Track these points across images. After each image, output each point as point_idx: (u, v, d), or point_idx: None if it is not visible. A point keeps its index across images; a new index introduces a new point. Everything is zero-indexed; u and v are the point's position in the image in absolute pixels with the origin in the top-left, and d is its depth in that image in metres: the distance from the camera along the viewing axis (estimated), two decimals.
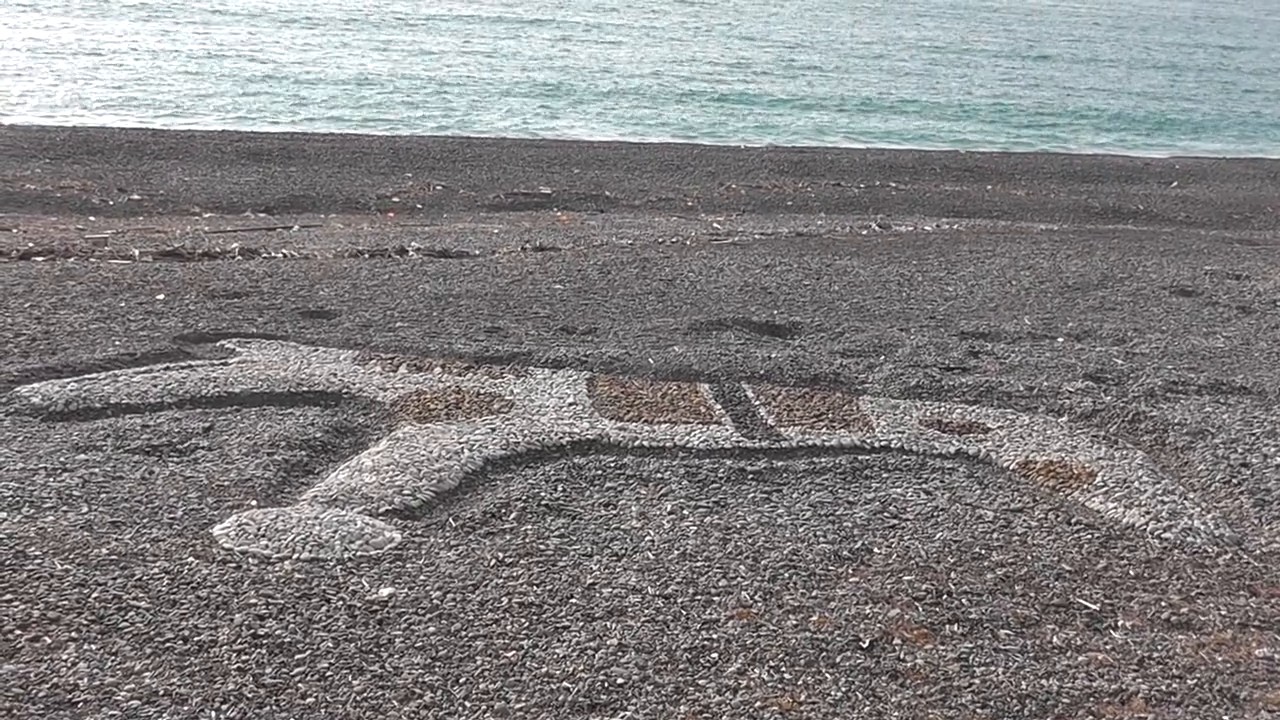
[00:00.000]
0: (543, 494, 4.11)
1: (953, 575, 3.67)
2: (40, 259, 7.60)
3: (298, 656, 3.01)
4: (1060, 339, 6.56)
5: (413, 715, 2.79)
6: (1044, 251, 9.37)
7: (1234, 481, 4.56)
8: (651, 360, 5.67)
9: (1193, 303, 7.73)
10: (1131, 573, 3.78)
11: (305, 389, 5.05)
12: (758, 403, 5.19)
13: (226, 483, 4.06)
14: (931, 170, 17.14)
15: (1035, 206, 14.38)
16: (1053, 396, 5.42)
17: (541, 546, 3.71)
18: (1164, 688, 3.11)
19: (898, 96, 27.82)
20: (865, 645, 3.23)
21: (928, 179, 16.31)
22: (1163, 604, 3.58)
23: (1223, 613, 3.55)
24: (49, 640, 3.01)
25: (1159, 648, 3.32)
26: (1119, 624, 3.44)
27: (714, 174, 15.66)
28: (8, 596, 3.19)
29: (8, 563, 3.35)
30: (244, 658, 2.98)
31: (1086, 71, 35.71)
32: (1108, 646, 3.31)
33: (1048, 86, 31.56)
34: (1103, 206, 14.64)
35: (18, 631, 3.03)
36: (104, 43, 26.99)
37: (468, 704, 2.85)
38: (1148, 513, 4.25)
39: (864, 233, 10.82)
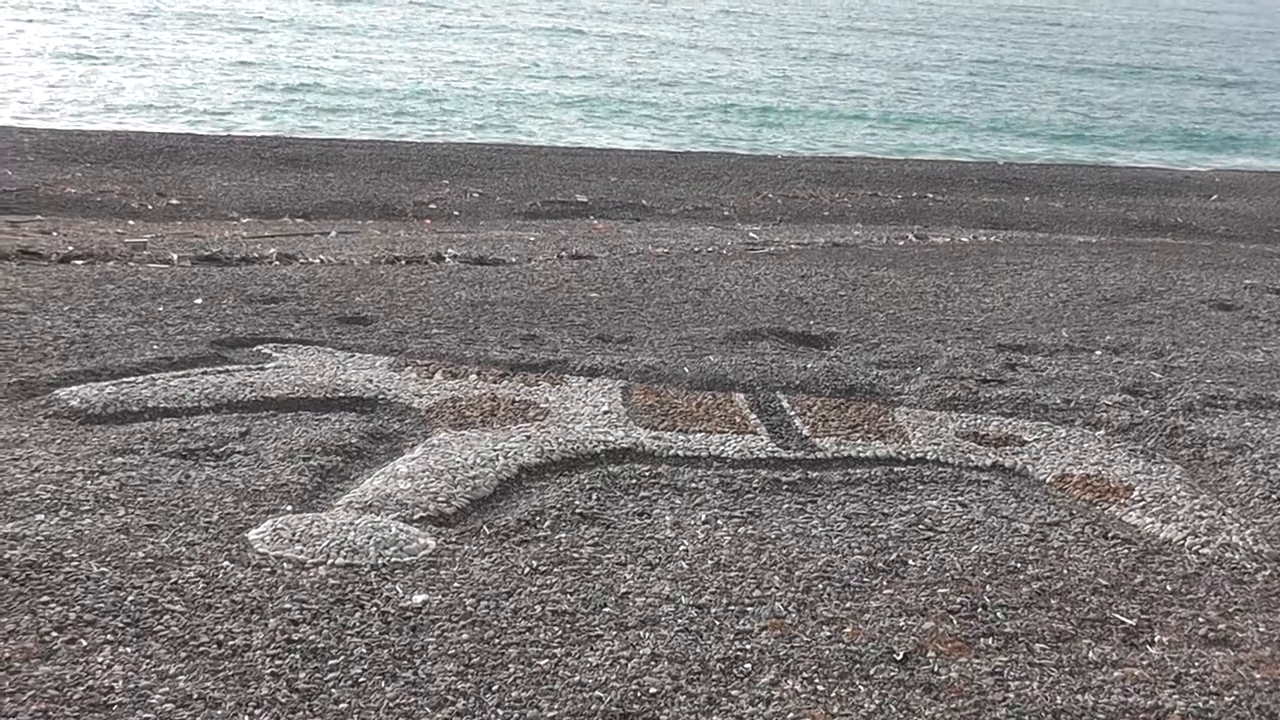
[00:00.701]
0: (577, 502, 4.11)
1: (988, 588, 3.65)
2: (80, 262, 7.64)
3: (331, 662, 3.01)
4: (1098, 352, 6.53)
5: None
6: (1082, 264, 9.33)
7: (1273, 497, 4.53)
8: (687, 369, 5.66)
9: (1232, 317, 7.68)
10: (1169, 588, 3.75)
11: (341, 395, 5.07)
12: (793, 413, 5.18)
13: (262, 487, 4.07)
14: (969, 181, 17.08)
15: (1073, 218, 14.31)
16: (1090, 410, 5.40)
17: (575, 555, 3.71)
18: (1201, 704, 3.09)
19: (938, 109, 27.75)
20: (899, 658, 3.21)
21: (965, 190, 16.26)
22: (1200, 620, 3.55)
23: (1261, 629, 3.52)
24: (85, 642, 3.02)
25: (1196, 664, 3.29)
26: (1156, 640, 3.42)
27: (750, 183, 15.64)
28: (45, 598, 3.20)
29: (45, 565, 3.37)
30: (278, 662, 2.99)
31: (1127, 84, 35.55)
32: (1144, 662, 3.28)
33: (1087, 100, 31.42)
34: (1141, 219, 14.56)
35: (54, 633, 3.05)
36: (147, 49, 27.14)
37: (500, 711, 2.85)
38: (1185, 528, 4.22)
39: (900, 243, 10.79)
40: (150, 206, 11.91)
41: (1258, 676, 3.25)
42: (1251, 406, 5.59)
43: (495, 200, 13.39)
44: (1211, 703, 3.10)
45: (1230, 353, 6.66)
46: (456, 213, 12.62)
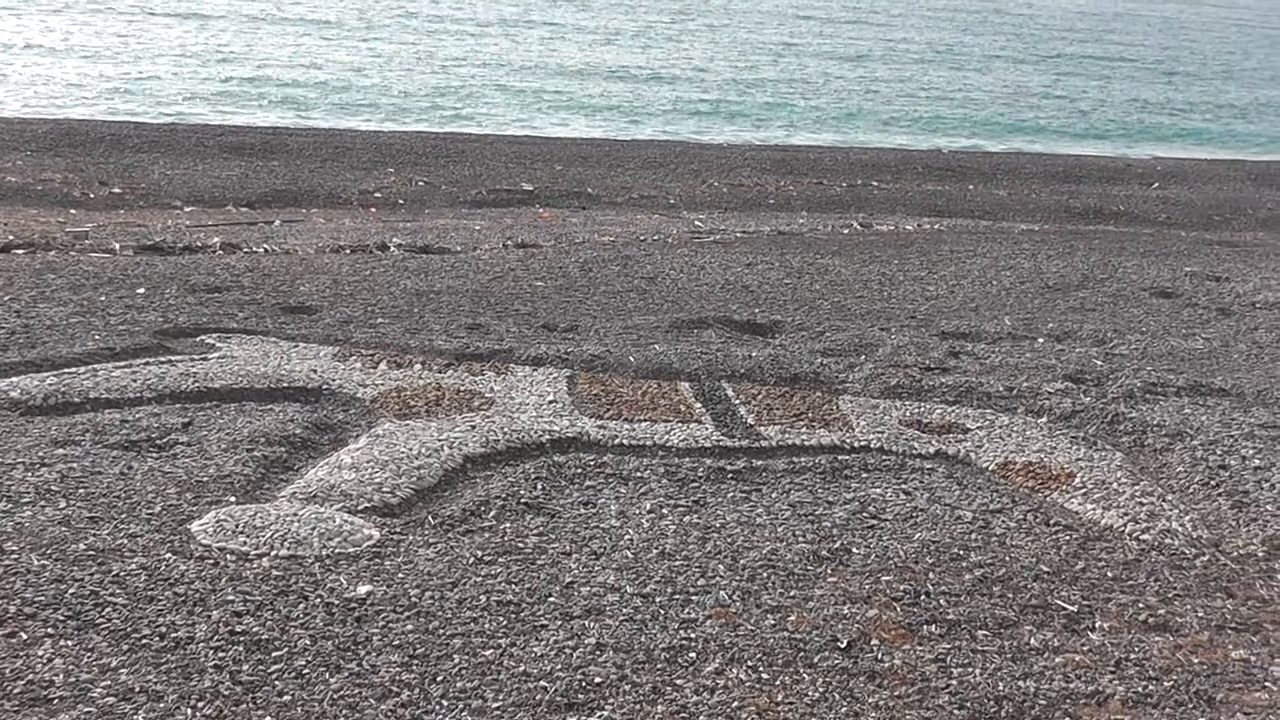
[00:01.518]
0: (522, 492, 4.11)
1: (931, 576, 3.67)
2: (20, 252, 7.57)
3: (275, 654, 3.00)
4: (1040, 339, 6.57)
5: (390, 714, 2.79)
6: (1025, 252, 9.39)
7: (1212, 483, 4.57)
8: (632, 358, 5.67)
9: (1172, 304, 7.75)
10: (1109, 574, 3.78)
11: (285, 385, 5.04)
12: (738, 401, 5.19)
13: (205, 478, 4.04)
14: (913, 169, 17.15)
15: (1017, 206, 14.40)
16: (1032, 397, 5.44)
17: (520, 545, 3.71)
18: (1141, 689, 3.12)
19: (885, 99, 27.85)
20: (843, 645, 3.23)
21: (909, 178, 16.32)
22: (1140, 605, 3.58)
23: (1200, 614, 3.56)
24: (25, 636, 3.00)
25: (1136, 649, 3.32)
26: (1096, 625, 3.45)
27: (697, 172, 15.65)
28: None
29: None
30: (221, 655, 2.98)
31: (1068, 73, 35.78)
32: (1085, 648, 3.31)
33: (1030, 89, 31.60)
34: (1084, 207, 14.67)
35: None
36: (91, 40, 26.90)
37: (445, 702, 2.85)
38: (1126, 514, 4.26)
39: (845, 231, 10.83)
40: (92, 195, 11.81)
41: (1196, 661, 3.29)
42: (1191, 393, 5.65)
43: (441, 189, 13.35)
44: (1151, 687, 3.13)
45: (1170, 340, 6.72)
46: (402, 201, 12.58)
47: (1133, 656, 3.28)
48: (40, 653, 2.93)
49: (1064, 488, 4.49)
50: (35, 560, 3.36)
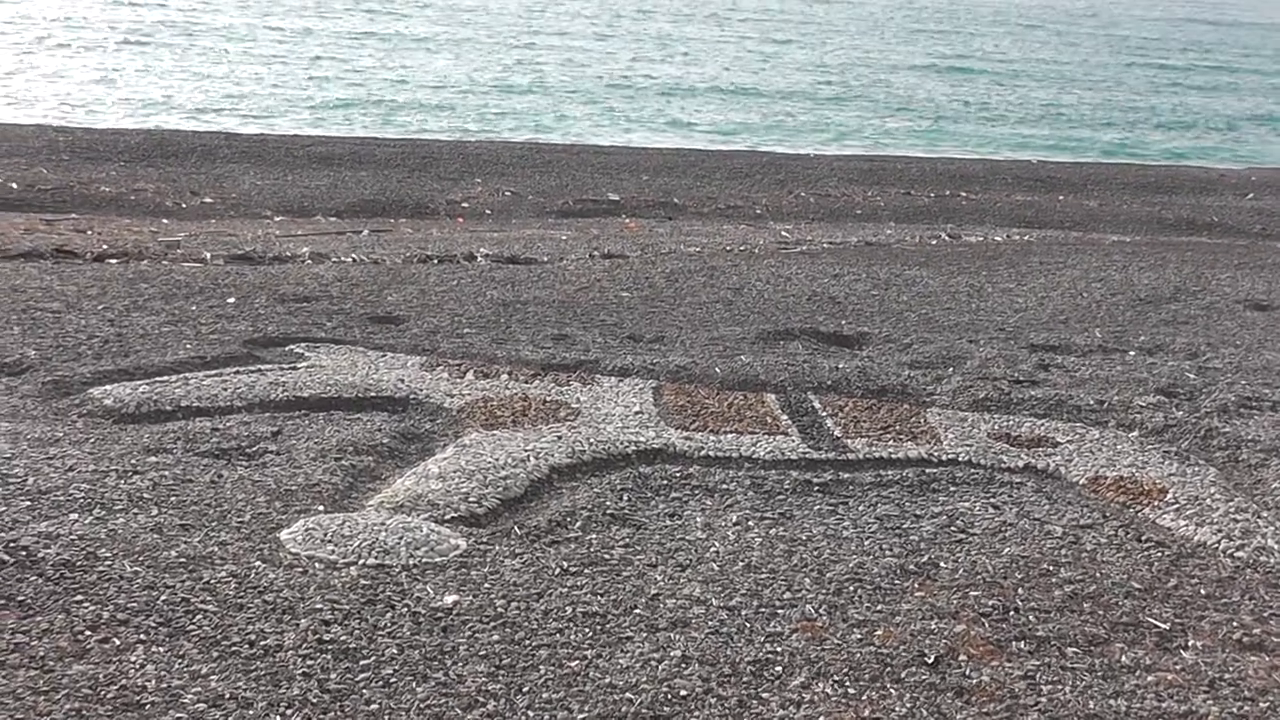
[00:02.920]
0: (608, 503, 4.11)
1: (1020, 591, 3.63)
2: (114, 261, 7.68)
3: (362, 662, 3.02)
4: (1132, 353, 6.49)
5: None
6: (1116, 263, 9.29)
7: None
8: (718, 369, 5.66)
9: (1268, 317, 7.63)
10: (1203, 592, 3.73)
11: (373, 394, 5.08)
12: (824, 414, 5.17)
13: (294, 487, 4.08)
14: (1002, 180, 17.02)
15: (1107, 217, 14.25)
16: (1123, 411, 5.37)
17: (606, 556, 3.71)
18: (1236, 710, 3.07)
19: (974, 108, 27.68)
20: (931, 661, 3.20)
21: (998, 189, 16.20)
22: (1235, 624, 3.53)
23: None
24: (118, 642, 3.03)
25: (1231, 669, 3.27)
26: (1189, 644, 3.40)
27: (782, 182, 15.62)
28: (78, 597, 3.22)
29: (79, 564, 3.39)
30: (309, 663, 3.00)
31: (1167, 81, 35.41)
32: (1178, 667, 3.26)
33: (1119, 101, 31.30)
34: (1176, 218, 14.50)
35: (88, 632, 3.06)
36: (183, 51, 27.30)
37: (530, 713, 2.85)
38: (1220, 531, 4.19)
39: (933, 242, 10.76)
40: (184, 205, 11.96)
41: None
42: None
43: (527, 199, 13.40)
44: (1247, 708, 3.08)
45: (1266, 354, 6.62)
46: (489, 211, 12.65)
47: (1227, 676, 3.23)
48: (133, 659, 2.96)
49: (1156, 503, 4.43)
50: (128, 567, 3.40)
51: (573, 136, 20.43)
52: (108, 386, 4.98)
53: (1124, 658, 3.29)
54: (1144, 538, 4.11)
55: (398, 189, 13.39)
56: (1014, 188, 16.40)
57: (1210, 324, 7.32)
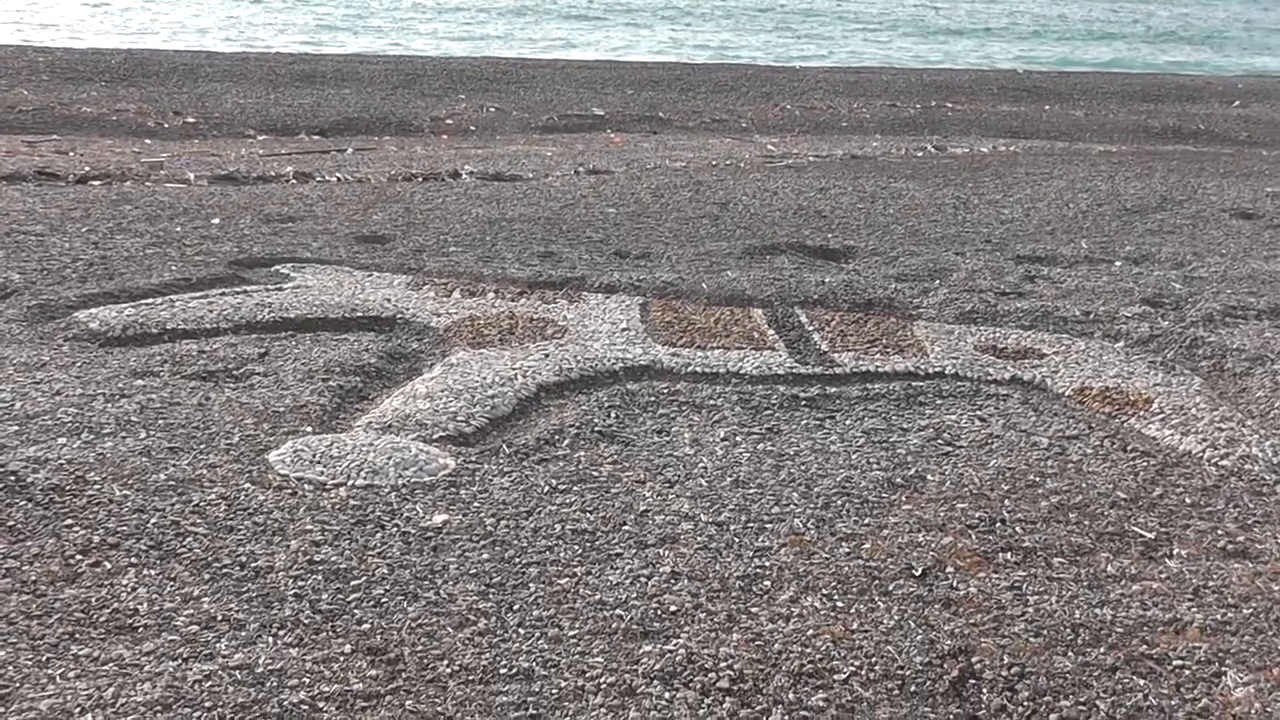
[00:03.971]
0: (596, 421, 4.12)
1: (1006, 503, 3.65)
2: (97, 183, 7.64)
3: (353, 583, 3.03)
4: (1118, 263, 6.50)
5: (467, 641, 2.81)
6: (1102, 173, 9.27)
7: None
8: (705, 285, 5.65)
9: (1253, 225, 7.64)
10: (1188, 500, 3.75)
11: (359, 314, 5.07)
12: (811, 328, 5.17)
13: (282, 409, 4.08)
14: (988, 90, 16.95)
15: (1093, 127, 14.21)
16: (1109, 322, 5.38)
17: (594, 473, 3.72)
18: (1219, 617, 3.09)
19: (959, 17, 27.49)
20: (918, 573, 3.22)
21: (984, 99, 16.14)
22: (1219, 532, 3.55)
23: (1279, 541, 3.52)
24: (109, 565, 3.04)
25: (1214, 576, 3.30)
26: (1174, 552, 3.42)
27: (768, 95, 15.54)
28: (69, 522, 3.23)
29: (68, 488, 3.39)
30: (300, 584, 3.01)
31: None
32: (1162, 575, 3.29)
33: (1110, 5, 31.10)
34: (1163, 126, 14.46)
35: (79, 556, 3.07)
36: None
37: (521, 631, 2.87)
38: (1205, 440, 4.22)
39: (919, 155, 10.73)
40: (166, 125, 11.89)
41: (1276, 588, 3.25)
42: (1272, 316, 5.57)
43: (511, 115, 13.33)
44: (1230, 615, 3.11)
45: (1251, 262, 6.62)
46: (473, 128, 12.58)
47: (1211, 584, 3.26)
48: (124, 582, 2.97)
49: (1141, 413, 4.44)
50: (117, 491, 3.41)
51: (556, 52, 20.28)
52: (93, 310, 4.97)
53: (1109, 567, 3.32)
54: (1129, 448, 4.13)
55: (381, 106, 13.31)
56: (1000, 98, 16.35)
57: (1196, 233, 7.32)
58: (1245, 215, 7.89)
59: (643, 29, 22.89)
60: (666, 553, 3.26)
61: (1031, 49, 23.96)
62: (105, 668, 2.64)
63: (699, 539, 3.34)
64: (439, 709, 2.56)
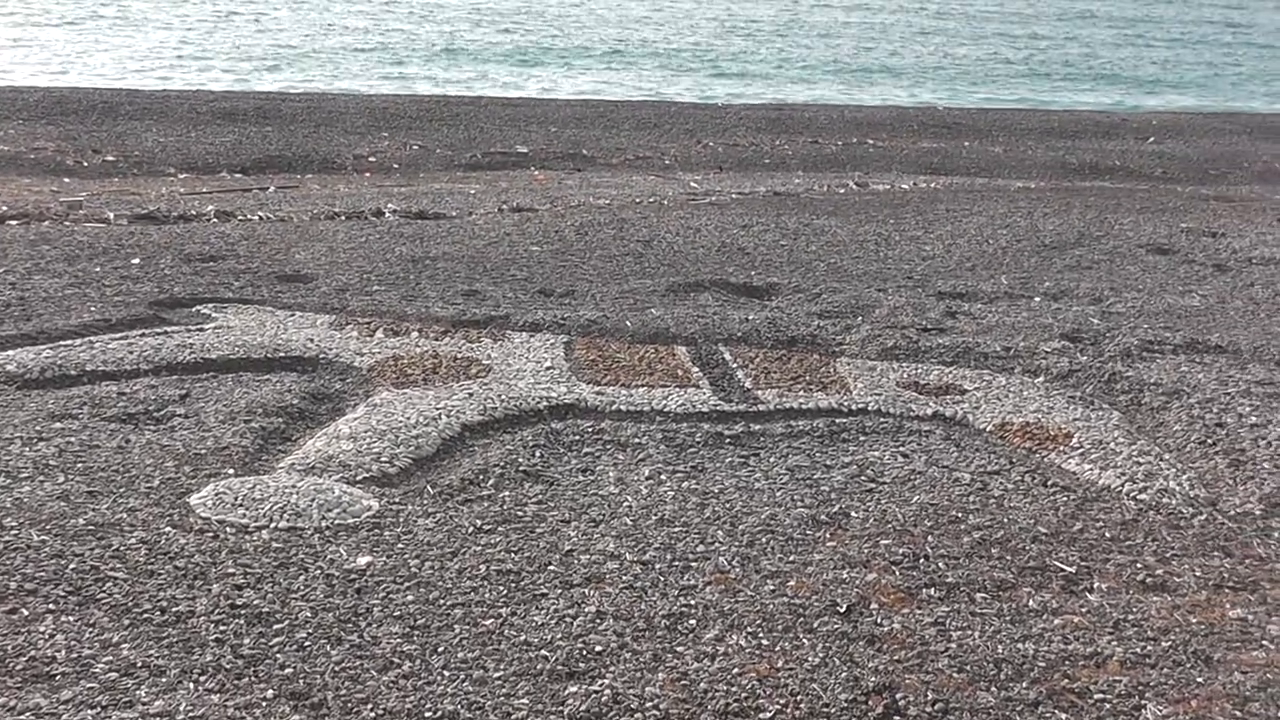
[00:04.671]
0: (520, 460, 4.11)
1: (930, 539, 3.68)
2: (14, 222, 7.55)
3: (276, 626, 3.01)
4: (1037, 298, 6.57)
5: (391, 685, 2.80)
6: (1021, 209, 9.38)
7: (1209, 442, 4.58)
8: (629, 323, 5.67)
9: (1169, 261, 7.75)
10: (1108, 534, 3.79)
11: (282, 354, 5.04)
12: (735, 365, 5.19)
13: (203, 451, 4.05)
14: (909, 127, 17.12)
15: (1012, 163, 14.38)
16: (1029, 357, 5.44)
17: (519, 513, 3.71)
18: (1139, 650, 3.13)
19: (873, 58, 27.76)
20: (842, 610, 3.24)
21: (905, 136, 16.29)
22: (1138, 566, 3.59)
23: (1197, 574, 3.57)
24: (26, 612, 3.00)
25: (1134, 610, 3.33)
26: (1095, 586, 3.46)
27: (691, 132, 15.62)
28: None
29: None
30: (222, 628, 2.98)
31: (1072, 30, 35.69)
32: (1083, 609, 3.32)
33: (1025, 44, 31.51)
34: (1080, 163, 14.65)
35: None
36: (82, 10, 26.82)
37: (446, 673, 2.86)
38: (1124, 474, 4.26)
39: (841, 191, 10.81)
40: (85, 164, 11.78)
41: (1194, 620, 3.30)
42: (1188, 351, 5.65)
43: (435, 152, 13.32)
44: (1149, 648, 3.14)
45: (1167, 297, 6.72)
46: (396, 165, 12.56)
47: (1131, 617, 3.29)
48: (42, 629, 2.94)
49: (1061, 448, 4.49)
50: (35, 535, 3.36)
51: (482, 88, 20.30)
52: (10, 352, 4.90)
53: (1031, 601, 3.35)
54: (1050, 482, 4.17)
55: (304, 144, 13.26)
56: (920, 134, 16.51)
57: (1114, 268, 7.42)
58: (1161, 250, 8.01)
59: (574, 69, 22.98)
60: (592, 592, 3.26)
61: (954, 91, 24.27)
62: (22, 717, 2.60)
63: (624, 578, 3.34)
64: None
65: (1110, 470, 4.29)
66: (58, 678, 2.75)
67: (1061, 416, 4.78)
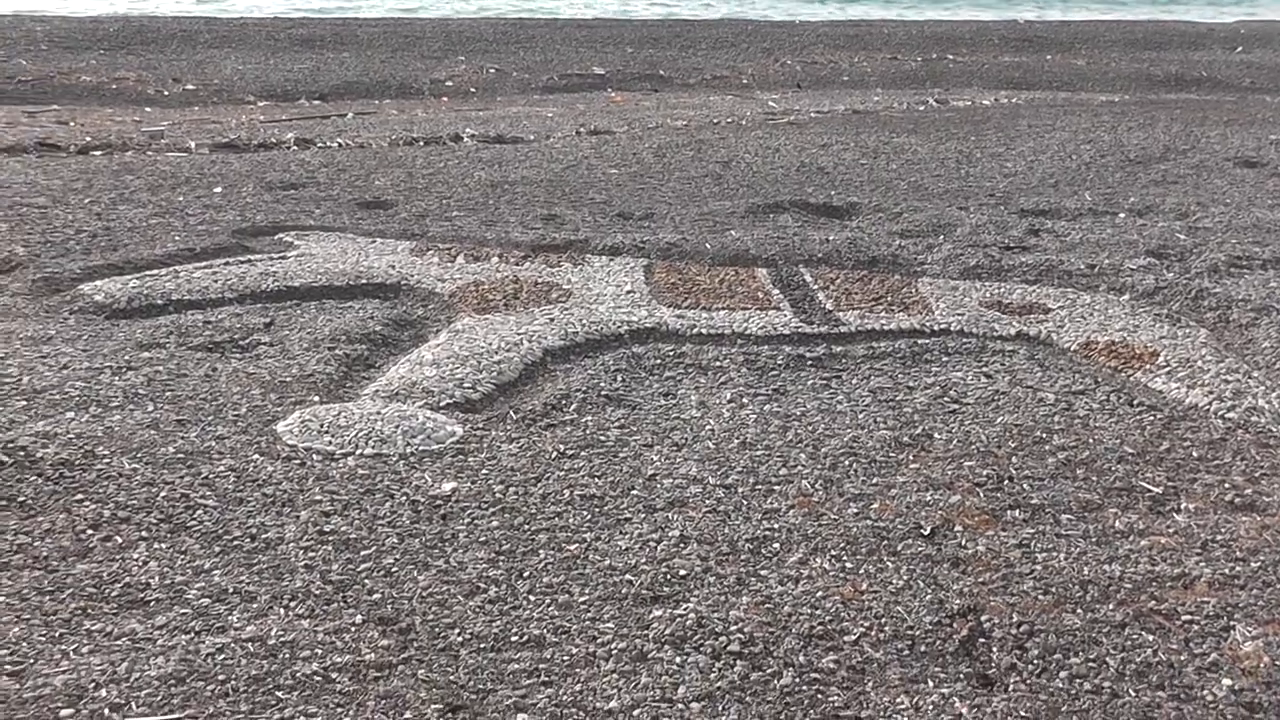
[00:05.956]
0: (602, 384, 4.12)
1: (1014, 460, 3.66)
2: (98, 153, 7.63)
3: (363, 553, 3.04)
4: (1122, 215, 6.48)
5: (478, 610, 2.82)
6: (1104, 124, 9.24)
7: None
8: (709, 245, 5.65)
9: (1258, 174, 7.61)
10: (1195, 454, 3.75)
11: (364, 281, 5.07)
12: (816, 287, 5.17)
13: (288, 379, 4.09)
14: (990, 41, 16.88)
15: (1096, 76, 14.15)
16: (1114, 274, 5.37)
17: (602, 438, 3.73)
18: (1227, 571, 3.10)
19: None
20: (926, 533, 3.23)
21: (986, 50, 16.07)
22: (1226, 486, 3.56)
23: None
24: (120, 540, 3.05)
25: (1222, 530, 3.30)
26: (1182, 507, 3.43)
27: (768, 50, 15.48)
28: (79, 496, 3.24)
29: (77, 462, 3.40)
30: (310, 555, 3.02)
31: None
32: (1170, 530, 3.30)
33: None
34: (1165, 75, 14.40)
35: (89, 531, 3.08)
36: None
37: (531, 598, 2.88)
38: (1211, 392, 4.21)
39: (921, 108, 10.70)
40: (166, 93, 11.86)
41: None
42: (1277, 266, 5.56)
43: (512, 75, 13.30)
44: (1238, 568, 3.11)
45: (1256, 211, 6.61)
46: (473, 89, 12.55)
47: (1219, 538, 3.26)
48: (135, 556, 2.98)
49: (1147, 367, 4.44)
50: (126, 464, 3.42)
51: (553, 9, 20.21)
52: (98, 282, 4.97)
53: (1117, 523, 3.32)
54: (1136, 402, 4.13)
55: (381, 69, 13.27)
56: (1001, 49, 16.28)
57: (1200, 183, 7.31)
58: (1249, 164, 7.87)
59: None
60: (675, 516, 3.27)
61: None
62: (118, 642, 2.65)
63: (707, 502, 3.35)
64: (451, 678, 2.58)
65: (1197, 389, 4.25)
66: (151, 603, 2.80)
67: (1147, 335, 4.73)
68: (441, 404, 3.93)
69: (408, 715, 2.45)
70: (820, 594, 2.93)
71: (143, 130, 8.72)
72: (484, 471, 3.48)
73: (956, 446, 3.74)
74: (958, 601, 2.92)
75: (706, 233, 5.87)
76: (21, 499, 3.21)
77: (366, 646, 2.67)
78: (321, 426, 3.71)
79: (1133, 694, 2.61)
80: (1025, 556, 3.13)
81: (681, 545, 3.12)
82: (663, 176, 7.16)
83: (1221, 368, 4.42)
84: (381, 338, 4.51)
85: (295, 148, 8.01)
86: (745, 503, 3.35)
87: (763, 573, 3.02)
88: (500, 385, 4.11)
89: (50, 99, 11.23)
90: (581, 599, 2.88)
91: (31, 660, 2.57)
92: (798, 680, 2.62)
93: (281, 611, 2.79)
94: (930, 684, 2.62)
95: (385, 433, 3.68)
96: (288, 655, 2.63)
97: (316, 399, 3.94)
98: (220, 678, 2.54)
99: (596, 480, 3.45)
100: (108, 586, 2.86)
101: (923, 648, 2.75)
